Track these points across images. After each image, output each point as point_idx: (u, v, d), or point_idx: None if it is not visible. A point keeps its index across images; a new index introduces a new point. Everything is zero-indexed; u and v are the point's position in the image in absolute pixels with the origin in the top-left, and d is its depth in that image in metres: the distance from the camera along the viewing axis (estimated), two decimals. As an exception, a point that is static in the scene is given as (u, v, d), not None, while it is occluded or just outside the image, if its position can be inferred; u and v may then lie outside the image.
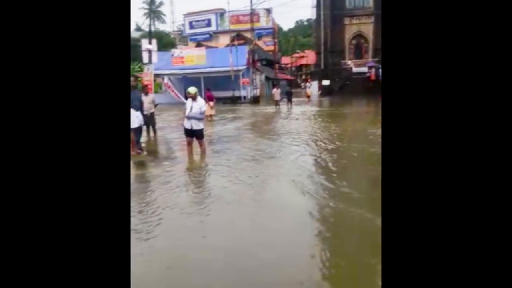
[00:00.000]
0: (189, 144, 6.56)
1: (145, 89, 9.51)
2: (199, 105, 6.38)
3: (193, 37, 40.01)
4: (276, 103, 19.68)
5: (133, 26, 42.95)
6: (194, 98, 6.43)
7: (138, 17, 67.19)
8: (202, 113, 6.42)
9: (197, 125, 6.42)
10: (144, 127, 7.90)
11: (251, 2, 28.91)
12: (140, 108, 7.00)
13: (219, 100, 23.63)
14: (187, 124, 6.44)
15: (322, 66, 32.80)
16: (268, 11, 38.70)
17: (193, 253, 2.89)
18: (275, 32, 40.12)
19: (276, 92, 20.14)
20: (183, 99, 16.12)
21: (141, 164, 6.31)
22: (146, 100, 8.39)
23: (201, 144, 6.60)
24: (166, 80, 23.71)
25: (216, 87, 25.20)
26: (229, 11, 34.94)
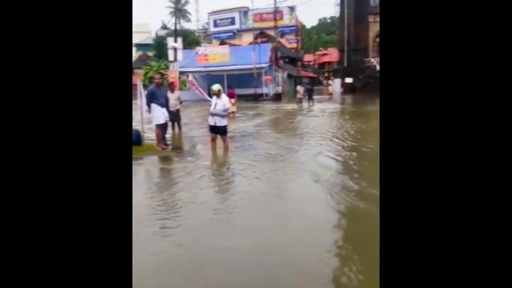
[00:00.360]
0: (213, 140, 6.64)
1: (171, 87, 9.67)
2: (223, 102, 6.44)
3: (217, 35, 40.24)
4: (299, 100, 19.55)
5: (159, 25, 43.68)
6: (218, 95, 6.49)
7: (164, 15, 68.16)
8: (225, 110, 6.47)
9: (220, 122, 6.48)
10: (170, 123, 8.05)
11: (275, 1, 28.75)
12: (166, 104, 7.14)
13: (241, 97, 23.72)
14: (211, 121, 6.53)
15: (345, 64, 32.29)
16: (292, 9, 38.38)
17: (216, 250, 2.94)
18: (298, 29, 39.76)
19: (300, 89, 19.99)
20: (207, 96, 16.31)
21: (166, 159, 6.45)
22: (172, 97, 8.55)
23: (224, 140, 6.67)
24: (190, 77, 23.98)
25: (239, 84, 25.30)
26: (253, 9, 34.90)
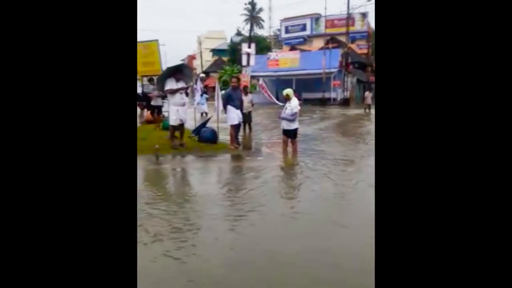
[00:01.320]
0: (284, 142, 6.71)
1: (245, 90, 10.00)
2: (291, 106, 6.46)
3: (288, 41, 40.40)
4: (367, 106, 18.75)
5: (234, 31, 45.23)
6: (288, 99, 6.55)
7: (239, 22, 70.48)
8: (293, 114, 6.45)
9: (288, 126, 6.52)
10: (241, 124, 8.32)
11: (348, 7, 27.99)
12: (240, 107, 7.41)
13: (309, 101, 23.48)
14: (282, 124, 6.61)
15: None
16: (364, 15, 36.95)
17: (282, 250, 2.98)
18: (370, 35, 38.16)
19: (368, 95, 19.16)
20: (275, 100, 16.47)
21: (238, 158, 6.67)
22: (246, 99, 8.83)
23: (293, 143, 6.69)
24: (260, 81, 24.48)
25: (307, 88, 25.09)
26: (325, 16, 34.36)
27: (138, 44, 10.09)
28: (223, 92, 9.03)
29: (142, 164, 5.94)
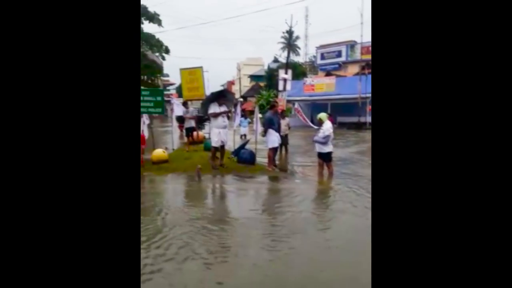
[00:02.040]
0: (320, 165, 6.71)
1: (282, 114, 10.17)
2: (323, 130, 6.48)
3: (323, 67, 40.58)
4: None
5: (271, 58, 46.23)
6: (321, 123, 6.61)
7: (276, 50, 72.10)
8: (325, 137, 6.42)
9: (320, 148, 6.53)
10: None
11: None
12: (278, 129, 7.55)
13: (344, 125, 23.18)
14: (315, 147, 6.67)
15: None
16: (400, 40, 36.38)
17: (319, 270, 2.97)
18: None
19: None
20: (310, 123, 16.49)
21: (275, 179, 6.74)
22: (283, 123, 8.98)
23: (328, 167, 6.67)
24: (296, 105, 24.68)
25: (343, 112, 24.83)
26: (361, 43, 34.30)
27: (184, 70, 10.67)
28: (260, 115, 9.26)
29: (186, 182, 6.29)
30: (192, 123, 10.21)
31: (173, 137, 11.46)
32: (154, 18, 25.17)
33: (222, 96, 7.45)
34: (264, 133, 7.56)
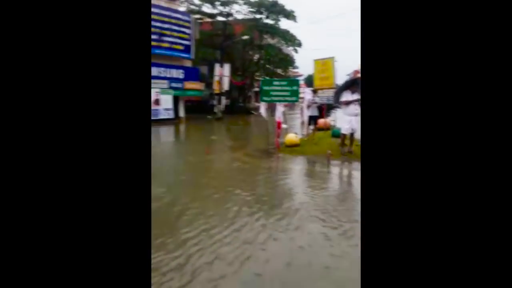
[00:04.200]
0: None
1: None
2: None
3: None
4: None
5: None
6: None
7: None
8: None
9: None
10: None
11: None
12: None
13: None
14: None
15: None
16: None
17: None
18: None
19: None
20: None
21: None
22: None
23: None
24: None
25: None
26: None
27: (317, 61, 10.69)
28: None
29: (317, 165, 6.48)
30: (315, 112, 10.21)
31: (303, 123, 11.72)
32: (290, 15, 25.86)
33: (356, 84, 7.19)
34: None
